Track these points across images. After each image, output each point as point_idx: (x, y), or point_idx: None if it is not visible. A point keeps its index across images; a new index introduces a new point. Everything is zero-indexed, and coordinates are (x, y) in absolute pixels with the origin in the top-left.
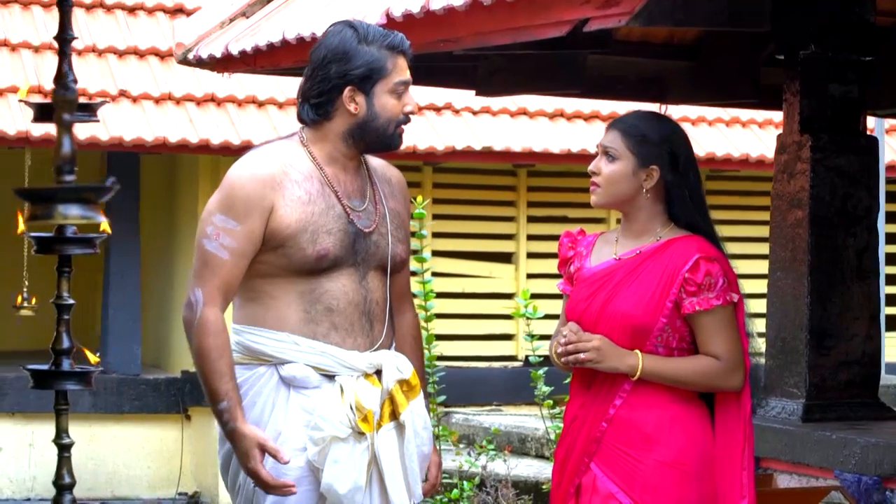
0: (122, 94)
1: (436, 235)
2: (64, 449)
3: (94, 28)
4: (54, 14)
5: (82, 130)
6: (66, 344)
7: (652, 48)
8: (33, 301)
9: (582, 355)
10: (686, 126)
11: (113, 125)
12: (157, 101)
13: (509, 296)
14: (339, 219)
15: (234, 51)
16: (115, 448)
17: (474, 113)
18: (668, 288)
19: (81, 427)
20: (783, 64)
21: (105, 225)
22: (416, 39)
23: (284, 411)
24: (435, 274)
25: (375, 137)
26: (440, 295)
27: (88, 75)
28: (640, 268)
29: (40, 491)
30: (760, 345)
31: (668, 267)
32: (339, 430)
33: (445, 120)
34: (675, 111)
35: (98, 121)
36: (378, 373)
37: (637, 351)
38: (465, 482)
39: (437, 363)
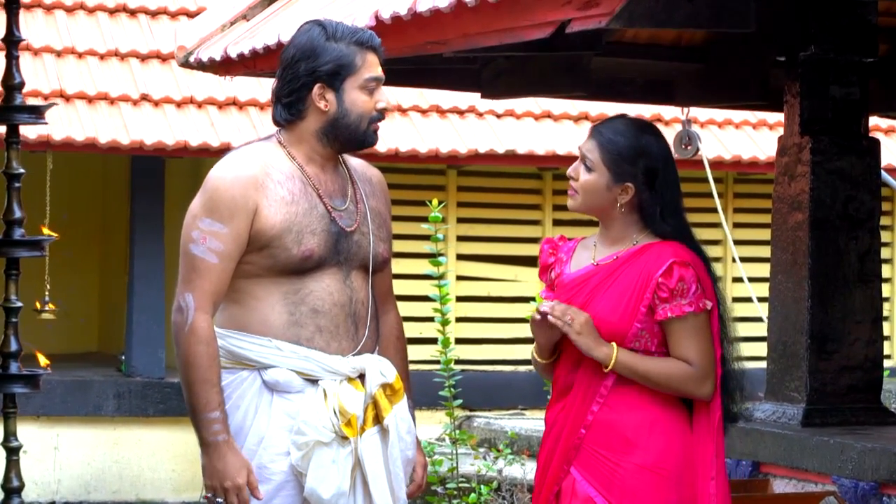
0: (144, 97)
1: (460, 239)
2: (12, 452)
3: (117, 32)
4: (77, 18)
5: (103, 134)
6: (13, 347)
7: (661, 50)
8: (51, 305)
9: (568, 317)
10: (713, 129)
11: (134, 129)
12: (179, 104)
13: (534, 300)
14: (322, 218)
15: (233, 54)
16: (139, 451)
17: (498, 116)
18: (643, 293)
19: (106, 430)
20: (784, 65)
21: (46, 229)
22: (404, 42)
23: (268, 416)
24: (459, 277)
25: (348, 135)
26: (465, 298)
27: (111, 79)
28: (616, 273)
29: (65, 493)
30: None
31: (643, 272)
32: (322, 434)
33: (469, 123)
34: (701, 114)
35: (46, 123)
36: (362, 377)
37: (613, 343)
38: (482, 486)
39: (459, 367)
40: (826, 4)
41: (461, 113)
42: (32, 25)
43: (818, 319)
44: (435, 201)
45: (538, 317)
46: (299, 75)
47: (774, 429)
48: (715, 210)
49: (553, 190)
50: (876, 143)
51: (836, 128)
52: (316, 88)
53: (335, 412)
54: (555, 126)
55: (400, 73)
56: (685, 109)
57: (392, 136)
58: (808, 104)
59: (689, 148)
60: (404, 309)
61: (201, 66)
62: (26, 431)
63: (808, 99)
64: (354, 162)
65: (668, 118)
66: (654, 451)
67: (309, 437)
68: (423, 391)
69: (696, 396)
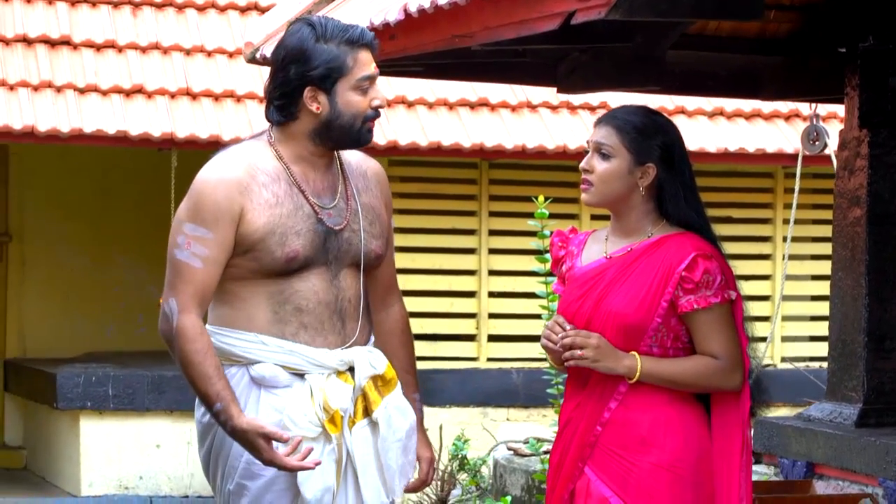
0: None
1: None
2: None
3: (248, 30)
4: (208, 16)
5: (227, 131)
6: None
7: (744, 43)
8: None
9: (579, 352)
10: (835, 123)
11: (258, 126)
12: None
13: None
14: (308, 218)
15: None
16: None
17: (592, 110)
18: (664, 287)
19: None
20: (844, 57)
21: None
22: (434, 35)
23: (255, 411)
24: None
25: (341, 135)
26: None
27: (238, 76)
28: (632, 266)
29: (198, 488)
30: (760, 349)
31: (663, 265)
32: (307, 430)
33: (561, 117)
34: (840, 110)
35: None
36: (351, 370)
37: (634, 353)
38: None
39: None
40: None
41: (553, 108)
42: (164, 24)
43: (876, 317)
44: (541, 198)
45: (548, 344)
46: (290, 78)
47: (828, 429)
48: None
49: None
50: None
51: (895, 120)
52: (307, 91)
53: (321, 407)
54: None
55: (475, 67)
56: (812, 105)
57: (479, 132)
58: (866, 96)
59: (816, 143)
60: (510, 306)
61: (266, 62)
62: (160, 426)
63: (867, 91)
64: (350, 156)
65: (805, 114)
66: (671, 449)
67: (293, 433)
68: (536, 388)
69: (725, 389)
